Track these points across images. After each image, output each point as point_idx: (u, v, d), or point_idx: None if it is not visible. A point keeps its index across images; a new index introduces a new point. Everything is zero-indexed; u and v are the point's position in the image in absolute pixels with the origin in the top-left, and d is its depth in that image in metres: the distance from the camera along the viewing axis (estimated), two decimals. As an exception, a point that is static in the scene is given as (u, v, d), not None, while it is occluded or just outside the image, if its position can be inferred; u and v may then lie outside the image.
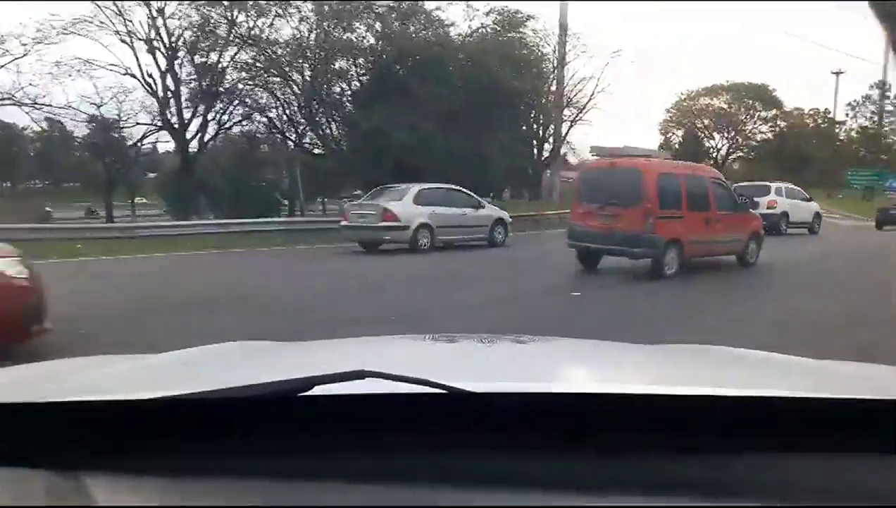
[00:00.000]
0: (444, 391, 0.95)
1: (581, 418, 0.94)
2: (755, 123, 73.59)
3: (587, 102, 34.72)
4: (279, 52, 28.55)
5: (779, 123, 71.91)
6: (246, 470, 0.89)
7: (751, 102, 72.81)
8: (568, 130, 35.06)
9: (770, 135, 72.40)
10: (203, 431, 0.93)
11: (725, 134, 75.78)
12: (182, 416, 0.95)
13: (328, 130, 29.99)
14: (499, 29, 31.31)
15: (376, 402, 0.94)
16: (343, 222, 15.61)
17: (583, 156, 72.00)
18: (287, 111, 30.44)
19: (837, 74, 69.71)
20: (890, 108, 61.28)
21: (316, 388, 0.93)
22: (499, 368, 1.58)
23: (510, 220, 17.84)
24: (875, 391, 1.34)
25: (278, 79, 29.08)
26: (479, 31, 30.86)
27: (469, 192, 17.17)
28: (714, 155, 75.66)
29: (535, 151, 36.23)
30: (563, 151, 37.03)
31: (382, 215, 14.55)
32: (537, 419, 0.94)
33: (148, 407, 0.97)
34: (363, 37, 28.70)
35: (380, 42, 28.48)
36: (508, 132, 29.20)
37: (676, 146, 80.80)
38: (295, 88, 29.31)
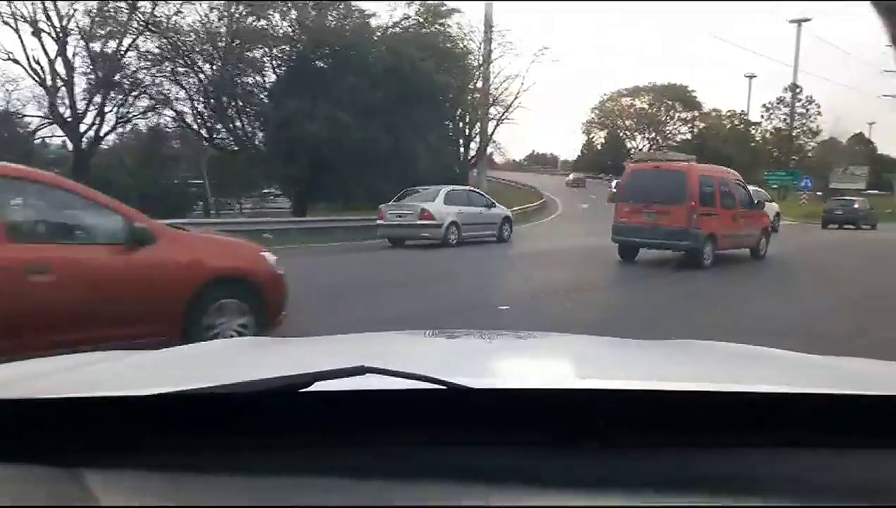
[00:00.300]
0: (444, 387, 0.94)
1: (582, 414, 0.94)
2: (675, 123, 75.32)
3: (513, 101, 33.97)
4: (186, 40, 26.55)
5: (697, 123, 73.75)
6: (247, 466, 0.89)
7: (671, 103, 74.46)
8: (494, 129, 34.19)
9: (689, 136, 74.17)
10: (204, 427, 0.93)
11: (646, 135, 77.26)
12: (183, 412, 0.95)
13: (240, 124, 28.13)
14: (422, 21, 30.17)
15: (376, 398, 0.95)
16: (379, 221, 16.82)
17: (509, 155, 73.45)
18: (197, 104, 28.39)
19: (750, 77, 71.90)
20: (801, 110, 63.32)
21: (316, 384, 0.93)
22: (499, 364, 1.59)
23: (513, 218, 19.89)
24: (882, 386, 1.29)
25: (185, 69, 27.05)
26: (402, 22, 29.65)
27: (482, 192, 19.68)
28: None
29: (462, 149, 35.21)
30: (489, 150, 36.20)
31: (420, 214, 15.97)
32: (538, 416, 0.94)
33: (149, 403, 0.96)
34: (277, 25, 27.07)
35: (295, 31, 26.90)
36: (433, 129, 28.12)
37: (598, 147, 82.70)
38: (204, 78, 27.34)
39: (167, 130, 30.61)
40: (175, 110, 28.69)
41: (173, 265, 4.95)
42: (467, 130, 35.49)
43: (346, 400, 0.95)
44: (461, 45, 32.12)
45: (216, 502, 0.85)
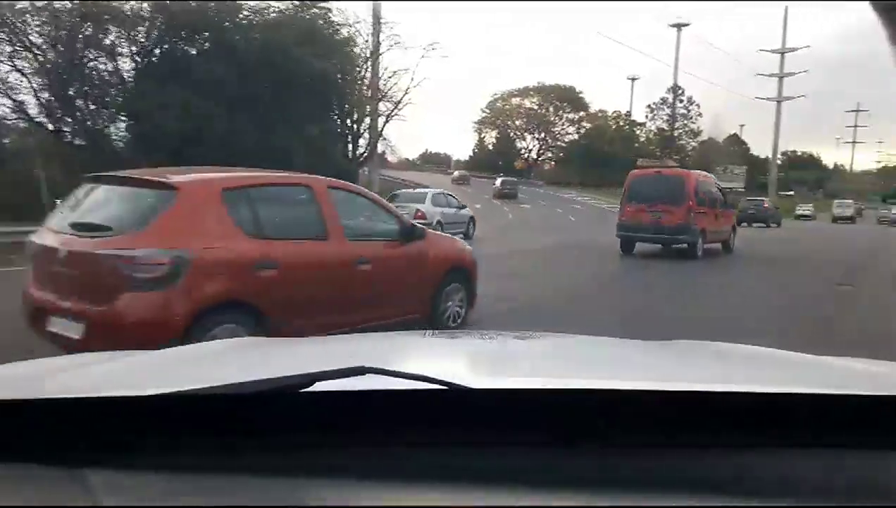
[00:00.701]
0: (444, 388, 0.95)
1: (582, 414, 0.94)
2: (563, 124, 76.04)
3: (402, 96, 32.06)
4: (24, 19, 22.94)
5: (584, 124, 74.76)
6: (247, 467, 0.89)
7: (559, 103, 75.08)
8: (384, 126, 32.10)
9: (577, 136, 75.07)
10: (204, 427, 0.93)
11: (536, 135, 77.68)
12: (183, 413, 0.95)
13: (89, 116, 24.68)
14: (298, 4, 27.71)
15: (376, 398, 0.95)
16: None
17: (401, 154, 71.61)
18: (41, 93, 24.66)
19: (633, 79, 73.95)
20: (683, 111, 65.21)
21: (317, 384, 0.93)
22: (499, 364, 1.60)
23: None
24: (881, 387, 1.30)
25: (26, 52, 23.38)
26: (275, 3, 27.06)
27: (454, 195, 21.49)
28: (526, 155, 77.41)
29: (350, 146, 32.89)
30: (380, 148, 34.11)
31: (415, 214, 17.33)
32: (538, 416, 0.94)
33: (150, 404, 0.96)
34: (133, 6, 23.91)
35: (153, 13, 23.86)
36: (314, 122, 25.76)
37: (490, 147, 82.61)
38: (45, 63, 23.76)
39: (6, 121, 26.59)
40: (13, 99, 24.86)
41: (432, 257, 6.16)
42: (355, 127, 33.19)
43: (346, 400, 0.95)
44: (344, 32, 29.88)
45: (217, 502, 0.85)
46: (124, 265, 3.99)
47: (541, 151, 78.54)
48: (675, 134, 66.25)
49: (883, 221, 48.67)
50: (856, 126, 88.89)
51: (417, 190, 21.15)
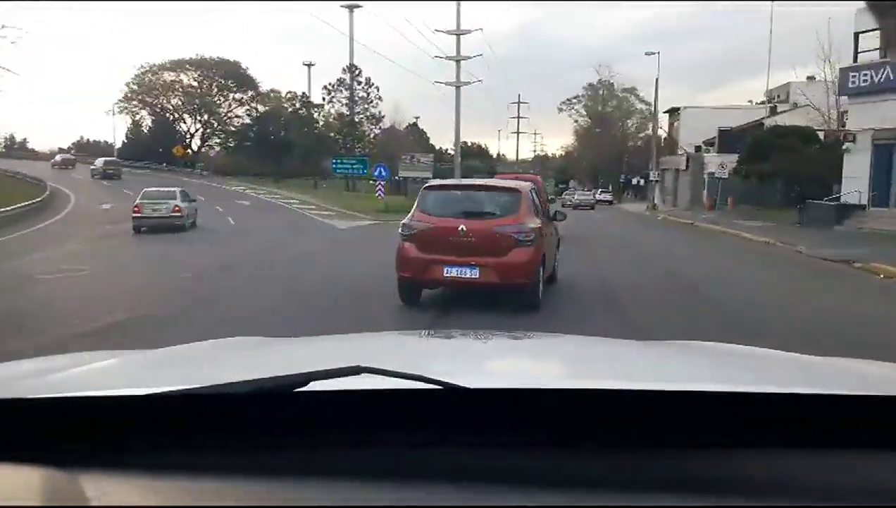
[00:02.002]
0: (440, 388, 0.94)
1: (578, 414, 0.94)
2: (230, 104, 65.54)
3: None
4: None
5: (255, 106, 65.23)
6: (242, 466, 0.89)
7: (223, 81, 64.39)
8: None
9: (249, 119, 65.23)
10: (199, 427, 0.93)
11: (198, 117, 66.07)
12: (178, 412, 0.95)
13: None
14: None
15: (373, 398, 0.96)
16: (137, 214, 21.69)
17: None
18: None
19: (309, 66, 66.34)
20: (362, 94, 59.08)
21: (312, 384, 0.93)
22: (495, 364, 1.61)
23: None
24: (879, 387, 1.30)
25: None
26: None
27: (186, 190, 24.87)
28: (188, 141, 65.42)
29: None
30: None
31: (173, 208, 21.77)
32: (534, 416, 0.95)
33: (144, 403, 0.96)
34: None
35: None
36: None
37: (146, 131, 69.05)
38: None
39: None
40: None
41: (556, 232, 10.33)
42: None
43: (342, 400, 0.95)
44: None
45: (212, 502, 0.85)
46: (514, 233, 7.64)
47: (206, 137, 66.84)
48: (357, 120, 60.14)
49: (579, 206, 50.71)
50: (518, 116, 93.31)
51: (165, 189, 24.26)
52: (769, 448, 0.91)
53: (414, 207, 8.30)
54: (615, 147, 75.83)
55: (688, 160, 45.28)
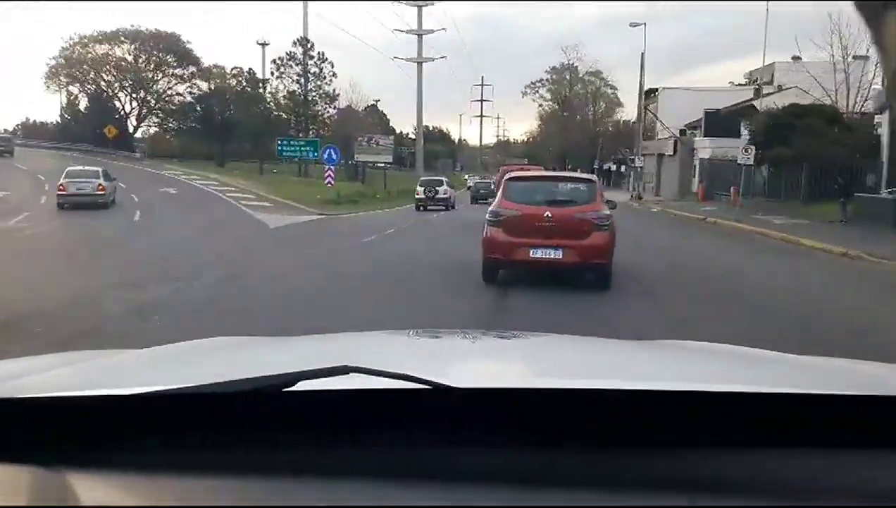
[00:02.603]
0: (428, 387, 0.93)
1: (567, 414, 0.94)
2: (170, 81, 59.58)
3: None
4: None
5: (197, 83, 59.39)
6: (230, 466, 0.89)
7: (161, 55, 58.42)
8: None
9: (191, 97, 59.40)
10: (187, 426, 0.93)
11: (135, 94, 59.97)
12: (165, 412, 0.95)
13: None
14: None
15: (360, 397, 0.95)
16: (62, 192, 22.66)
17: None
18: None
19: (263, 45, 60.73)
20: (315, 69, 53.72)
21: (300, 383, 0.92)
22: (483, 364, 1.60)
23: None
24: (874, 387, 1.29)
25: None
26: None
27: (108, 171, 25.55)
28: (124, 120, 59.34)
29: None
30: None
31: (98, 186, 22.95)
32: (522, 415, 0.95)
33: (131, 403, 0.96)
34: None
35: None
36: None
37: (83, 109, 62.80)
38: None
39: None
40: None
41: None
42: None
43: (330, 400, 0.94)
44: None
45: (200, 501, 0.85)
46: (594, 218, 8.48)
47: (143, 116, 60.74)
48: (310, 98, 54.86)
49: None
50: (482, 99, 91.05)
51: (88, 168, 25.38)
52: (763, 448, 0.91)
53: (499, 195, 9.32)
54: (585, 131, 72.21)
55: (675, 145, 41.18)
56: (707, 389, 1.04)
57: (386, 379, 0.93)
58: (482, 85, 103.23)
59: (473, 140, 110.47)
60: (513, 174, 10.33)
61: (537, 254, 8.35)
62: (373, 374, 0.93)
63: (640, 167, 40.79)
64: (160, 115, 60.29)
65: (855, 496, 0.87)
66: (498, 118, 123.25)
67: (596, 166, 62.17)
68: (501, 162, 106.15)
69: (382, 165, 46.08)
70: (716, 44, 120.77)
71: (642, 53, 39.47)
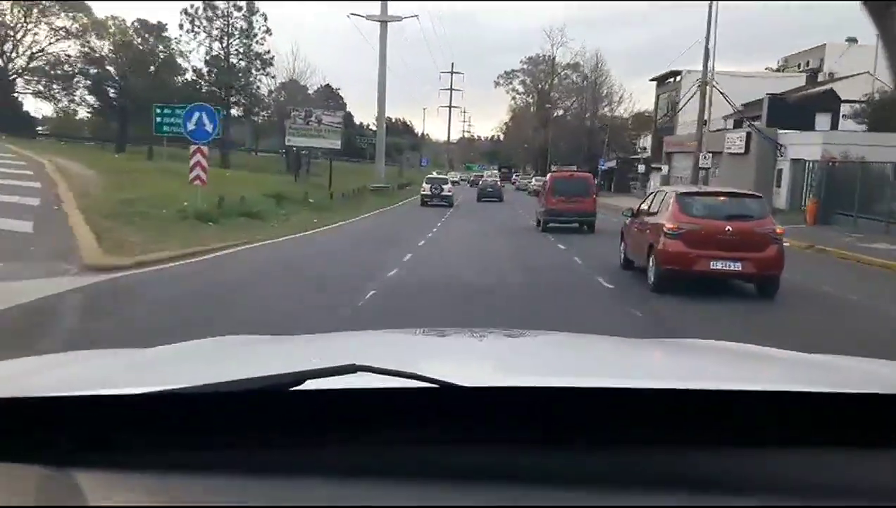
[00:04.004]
0: (436, 386, 0.94)
1: (574, 412, 0.95)
2: (50, 36, 45.26)
3: None
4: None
5: (90, 39, 45.14)
6: (237, 465, 0.89)
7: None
8: None
9: (79, 57, 45.22)
10: (194, 426, 0.94)
11: None
12: (173, 411, 0.95)
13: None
14: None
15: (368, 396, 0.96)
16: None
17: None
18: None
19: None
20: (243, 24, 39.95)
21: (308, 382, 0.92)
22: (490, 362, 1.60)
23: None
24: (875, 385, 1.27)
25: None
26: None
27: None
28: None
29: None
30: None
31: None
32: (530, 413, 0.95)
33: (138, 402, 0.96)
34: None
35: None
36: None
37: None
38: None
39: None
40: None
41: None
42: None
43: (338, 399, 0.94)
44: None
45: (207, 500, 0.85)
46: (769, 232, 9.06)
47: (12, 79, 46.04)
48: (239, 64, 41.37)
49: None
50: (451, 88, 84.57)
51: None
52: (761, 447, 0.91)
53: (672, 209, 9.44)
54: (581, 125, 60.32)
55: (748, 139, 28.82)
56: (710, 387, 1.04)
57: (394, 378, 0.93)
58: (452, 72, 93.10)
59: (436, 135, 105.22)
60: (686, 190, 11.24)
61: (717, 265, 8.79)
62: (381, 373, 0.93)
63: (705, 168, 27.99)
64: (34, 78, 45.56)
65: (855, 495, 0.86)
66: (464, 112, 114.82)
67: (602, 167, 50.27)
68: (467, 158, 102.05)
69: (325, 153, 32.72)
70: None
71: (711, 14, 26.84)
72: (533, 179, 52.82)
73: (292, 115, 29.86)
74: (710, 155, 27.64)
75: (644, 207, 10.84)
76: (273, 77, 42.96)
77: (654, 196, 10.94)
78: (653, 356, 1.73)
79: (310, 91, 47.49)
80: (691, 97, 29.69)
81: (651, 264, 9.32)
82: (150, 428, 0.92)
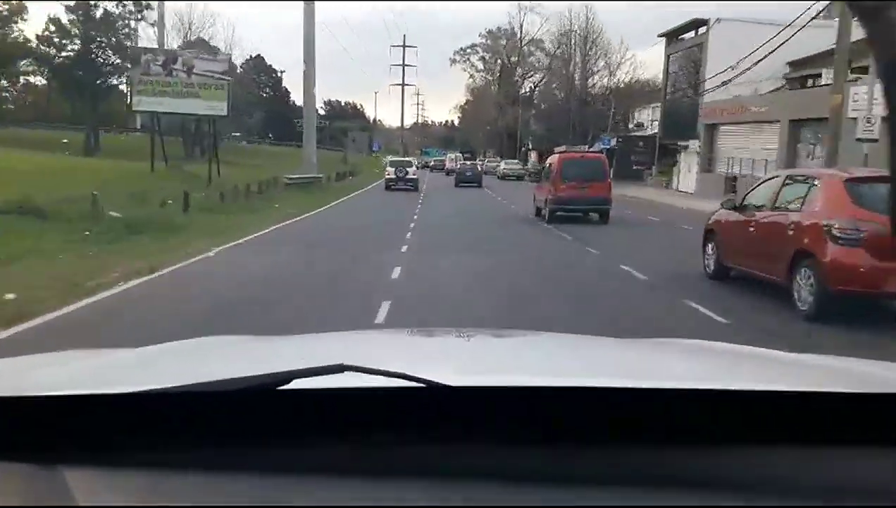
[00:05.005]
0: (423, 385, 0.94)
1: (563, 412, 0.94)
2: None
3: None
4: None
5: None
6: (225, 465, 0.90)
7: None
8: None
9: None
10: (181, 425, 0.94)
11: None
12: (160, 410, 0.95)
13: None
14: None
15: (356, 396, 0.96)
16: None
17: None
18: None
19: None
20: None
21: (295, 382, 0.93)
22: (478, 362, 1.59)
23: None
24: (871, 385, 1.29)
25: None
26: None
27: None
28: None
29: None
30: None
31: None
32: (517, 414, 0.95)
33: (126, 401, 0.96)
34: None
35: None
36: None
37: None
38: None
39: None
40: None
41: None
42: None
43: (325, 398, 0.95)
44: None
45: (194, 501, 0.85)
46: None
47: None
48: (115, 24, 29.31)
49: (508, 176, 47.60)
50: (403, 64, 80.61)
51: None
52: (757, 446, 0.92)
53: (839, 201, 6.80)
54: (569, 96, 49.97)
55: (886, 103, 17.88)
56: (703, 387, 1.04)
57: (381, 378, 0.94)
58: (403, 45, 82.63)
59: (389, 121, 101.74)
60: (857, 173, 7.47)
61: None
62: (368, 372, 0.94)
63: (870, 138, 16.22)
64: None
65: (854, 495, 0.87)
66: (418, 95, 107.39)
67: (606, 146, 39.79)
68: (421, 143, 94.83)
69: (200, 120, 20.82)
70: None
71: None
72: (502, 163, 51.16)
73: (143, 60, 17.91)
74: (875, 120, 16.06)
75: (756, 199, 8.24)
76: (153, 24, 30.72)
77: (773, 183, 8.27)
78: (644, 355, 1.71)
79: (236, 63, 35.67)
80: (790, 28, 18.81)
81: (802, 281, 6.75)
82: (137, 428, 0.92)
